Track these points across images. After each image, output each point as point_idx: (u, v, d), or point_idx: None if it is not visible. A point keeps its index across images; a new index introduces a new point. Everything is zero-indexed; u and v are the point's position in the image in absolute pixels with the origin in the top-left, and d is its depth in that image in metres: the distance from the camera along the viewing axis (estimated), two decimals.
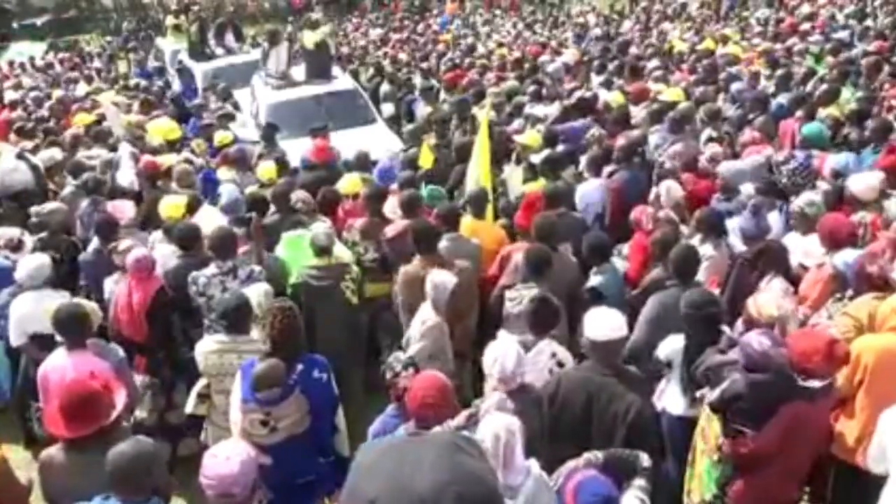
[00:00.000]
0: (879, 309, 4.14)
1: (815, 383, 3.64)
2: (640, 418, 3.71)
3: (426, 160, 7.99)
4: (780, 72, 9.84)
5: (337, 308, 5.41)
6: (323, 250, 5.49)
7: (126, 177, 7.81)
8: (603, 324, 3.86)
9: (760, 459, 3.70)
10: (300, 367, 4.10)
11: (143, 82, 14.58)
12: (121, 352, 4.83)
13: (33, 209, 6.95)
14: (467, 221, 6.17)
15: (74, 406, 3.56)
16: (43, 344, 5.09)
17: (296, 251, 5.88)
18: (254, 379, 3.99)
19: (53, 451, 3.68)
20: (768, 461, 3.69)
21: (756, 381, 3.64)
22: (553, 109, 9.21)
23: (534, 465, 3.21)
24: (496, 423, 3.18)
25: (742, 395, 3.70)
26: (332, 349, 4.79)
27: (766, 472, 3.72)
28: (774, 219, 5.61)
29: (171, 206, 6.51)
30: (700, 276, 4.98)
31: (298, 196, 6.60)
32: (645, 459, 3.34)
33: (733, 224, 5.52)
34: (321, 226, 5.70)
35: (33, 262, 5.57)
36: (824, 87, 8.54)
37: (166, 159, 8.04)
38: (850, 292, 4.49)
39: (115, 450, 3.21)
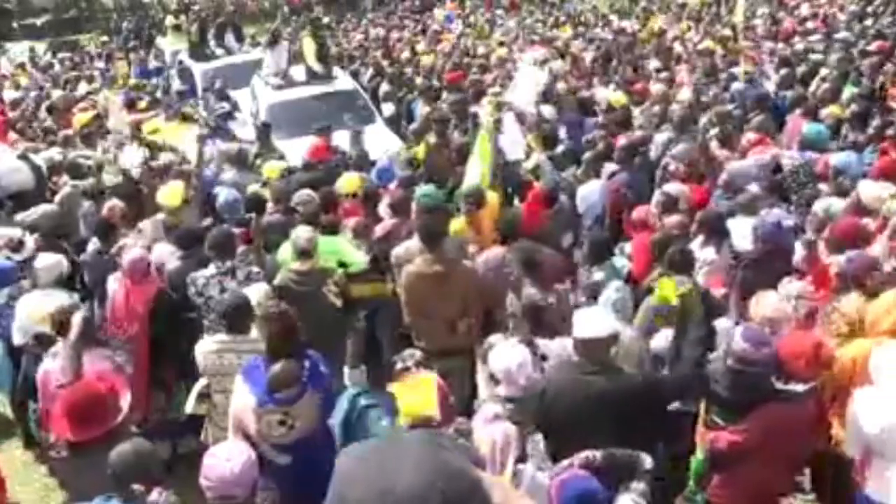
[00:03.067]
0: (870, 309, 4.14)
1: (797, 387, 3.65)
2: (639, 393, 3.71)
3: (420, 153, 8.11)
4: (783, 71, 9.84)
5: (319, 312, 5.26)
6: (303, 253, 5.38)
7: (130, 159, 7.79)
8: (590, 322, 3.85)
9: (736, 456, 3.71)
10: (308, 363, 4.10)
11: (143, 82, 14.60)
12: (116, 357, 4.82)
13: (18, 217, 6.92)
14: (462, 220, 6.17)
15: (80, 410, 3.56)
16: (46, 343, 5.07)
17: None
18: (270, 380, 3.96)
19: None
20: (744, 459, 3.70)
21: (734, 370, 3.66)
22: (548, 111, 9.24)
23: (529, 467, 3.22)
24: (494, 429, 3.19)
25: (718, 380, 3.73)
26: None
27: (742, 469, 3.73)
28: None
29: (168, 194, 6.50)
30: (701, 278, 4.98)
31: (302, 196, 6.60)
32: (646, 461, 3.33)
33: (735, 224, 5.52)
34: (303, 229, 5.60)
35: (48, 261, 5.62)
36: (826, 86, 8.53)
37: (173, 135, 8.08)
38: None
39: (115, 450, 3.21)
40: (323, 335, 5.22)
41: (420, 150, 8.15)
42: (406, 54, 16.42)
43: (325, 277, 5.42)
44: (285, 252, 5.99)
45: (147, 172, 7.61)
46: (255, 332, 4.62)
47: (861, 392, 3.59)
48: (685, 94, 9.31)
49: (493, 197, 6.45)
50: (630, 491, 3.17)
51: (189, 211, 6.72)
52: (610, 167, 7.18)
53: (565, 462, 3.30)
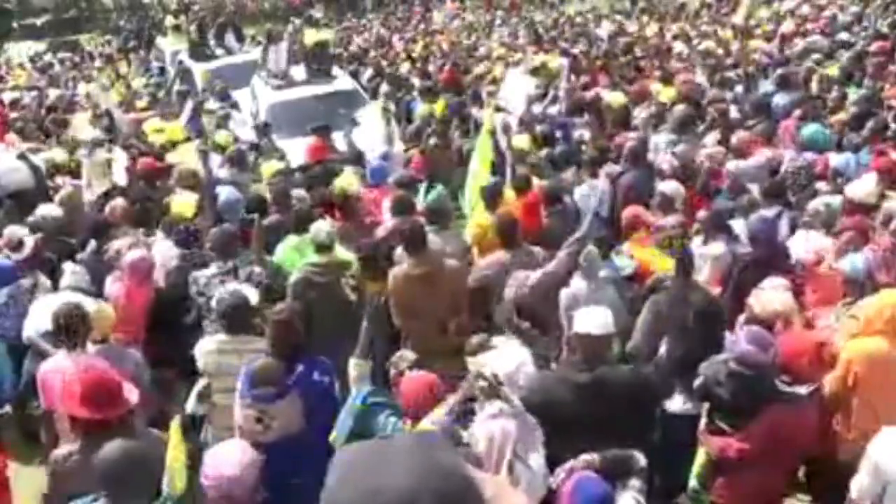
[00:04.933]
0: (866, 310, 4.16)
1: (801, 389, 3.65)
2: (638, 386, 3.74)
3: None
4: (779, 71, 9.85)
5: (336, 305, 5.38)
6: (323, 247, 5.47)
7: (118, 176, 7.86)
8: (589, 320, 3.84)
9: (742, 461, 3.73)
10: (300, 368, 4.12)
11: (145, 81, 14.64)
12: (138, 356, 4.88)
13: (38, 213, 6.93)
14: (483, 216, 6.22)
15: (96, 390, 3.57)
16: (52, 341, 5.05)
17: (300, 255, 5.85)
18: (251, 376, 4.02)
19: (66, 449, 3.67)
20: (749, 462, 3.71)
21: (736, 372, 3.67)
22: (553, 110, 9.24)
23: (529, 463, 3.24)
24: (492, 426, 3.21)
25: (721, 382, 3.74)
26: (330, 345, 4.80)
27: (746, 472, 3.75)
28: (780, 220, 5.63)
29: (183, 204, 6.52)
30: (705, 274, 4.98)
31: (295, 196, 6.63)
32: (641, 459, 3.34)
33: (735, 225, 5.52)
34: (322, 224, 5.69)
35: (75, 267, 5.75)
36: (834, 94, 8.51)
37: (181, 155, 8.09)
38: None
39: (105, 449, 3.17)
40: (338, 326, 5.27)
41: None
42: (404, 56, 16.47)
43: (343, 270, 5.45)
44: (281, 252, 6.00)
45: (145, 184, 7.65)
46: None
47: (884, 434, 3.54)
48: (669, 93, 9.32)
49: (510, 196, 6.47)
50: (629, 488, 3.19)
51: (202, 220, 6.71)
52: (608, 167, 7.18)
53: (567, 465, 3.31)
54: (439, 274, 5.23)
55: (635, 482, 3.23)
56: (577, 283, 4.97)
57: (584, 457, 3.33)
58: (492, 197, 6.31)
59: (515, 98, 7.20)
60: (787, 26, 14.53)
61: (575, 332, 3.86)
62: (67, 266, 5.76)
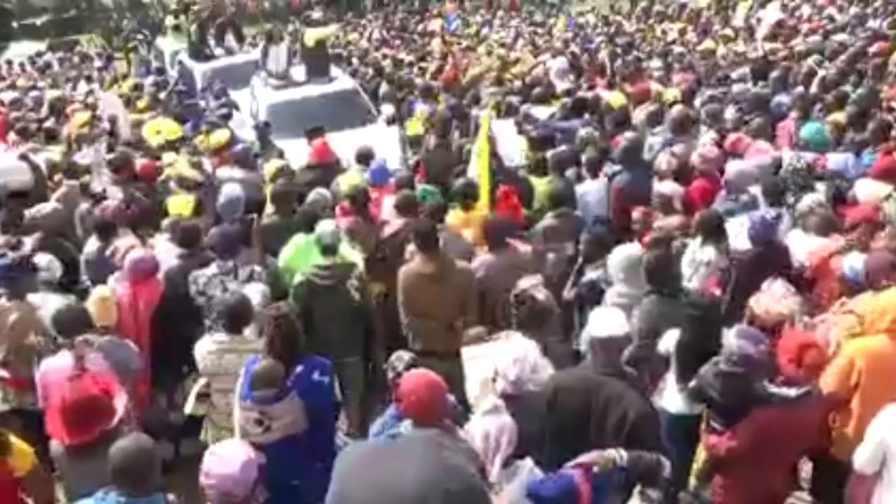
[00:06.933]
0: (868, 308, 4.18)
1: (790, 391, 3.66)
2: (642, 417, 3.71)
3: (413, 128, 8.81)
4: (775, 73, 9.85)
5: (339, 307, 5.37)
6: (328, 249, 5.44)
7: (99, 182, 7.85)
8: (605, 321, 3.87)
9: (735, 461, 3.74)
10: (299, 368, 4.12)
11: (146, 81, 14.61)
12: (137, 353, 4.90)
13: (29, 212, 6.94)
14: (458, 214, 6.23)
15: (75, 412, 3.58)
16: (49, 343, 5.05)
17: (305, 256, 5.84)
18: (251, 378, 4.02)
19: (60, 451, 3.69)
20: (744, 462, 3.72)
21: (726, 372, 3.67)
22: (552, 110, 9.25)
23: (527, 463, 3.24)
24: (488, 423, 3.21)
25: (712, 384, 3.75)
26: (332, 347, 4.80)
27: (743, 472, 3.76)
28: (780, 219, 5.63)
29: (180, 204, 6.52)
30: (700, 279, 4.98)
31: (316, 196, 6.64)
32: (667, 468, 3.31)
33: (736, 225, 5.52)
34: (328, 224, 5.65)
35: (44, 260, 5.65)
36: (833, 93, 8.51)
37: (175, 163, 8.08)
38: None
39: (115, 446, 3.22)
40: (342, 329, 5.27)
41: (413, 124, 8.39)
42: (404, 55, 16.46)
43: (348, 272, 5.44)
44: (287, 253, 5.99)
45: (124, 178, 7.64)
46: (247, 332, 4.68)
47: (889, 410, 3.57)
48: (671, 93, 9.33)
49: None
50: (646, 498, 3.17)
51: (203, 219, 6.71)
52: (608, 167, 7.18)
53: (584, 457, 3.30)
54: (449, 273, 5.25)
55: (655, 493, 3.21)
56: (619, 288, 4.99)
57: (612, 451, 3.32)
58: (465, 197, 6.33)
59: (508, 150, 7.28)
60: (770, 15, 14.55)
61: (596, 337, 3.86)
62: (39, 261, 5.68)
